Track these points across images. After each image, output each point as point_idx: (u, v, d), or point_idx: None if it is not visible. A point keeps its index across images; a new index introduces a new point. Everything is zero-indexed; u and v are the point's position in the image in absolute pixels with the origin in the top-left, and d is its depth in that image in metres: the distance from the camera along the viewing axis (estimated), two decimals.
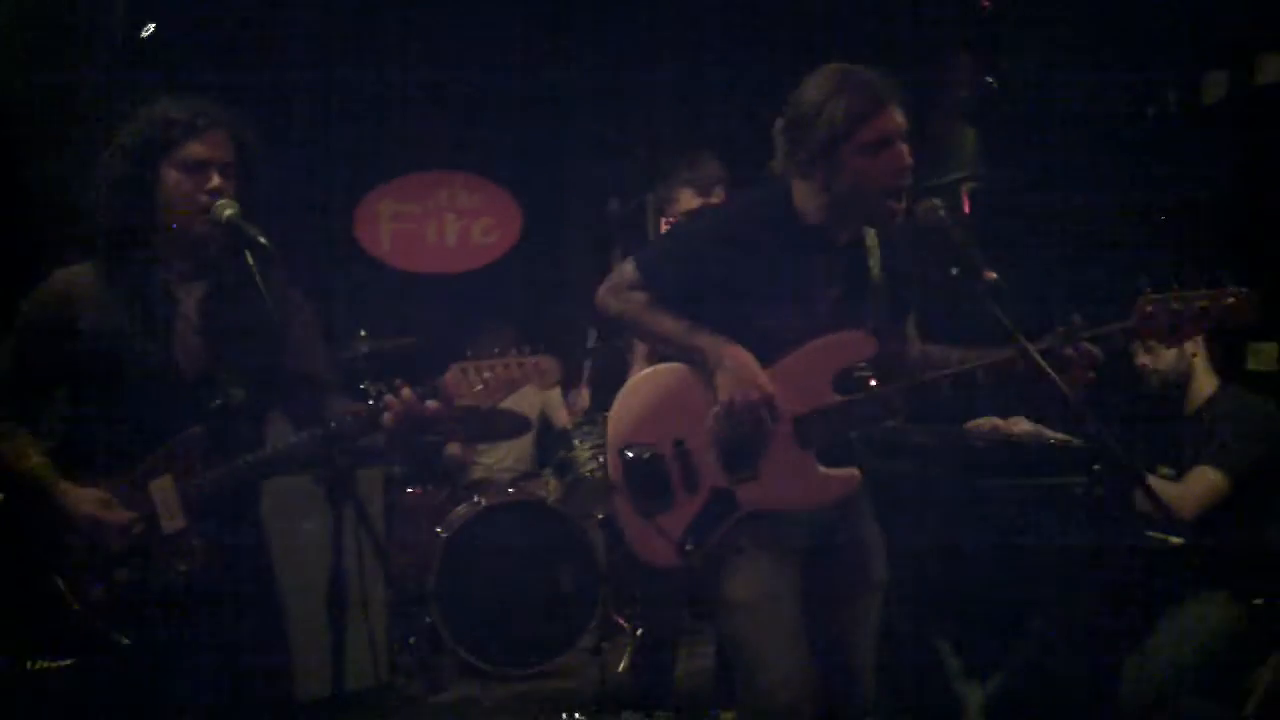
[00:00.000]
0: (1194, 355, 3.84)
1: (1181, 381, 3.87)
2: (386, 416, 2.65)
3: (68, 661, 2.70)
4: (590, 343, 5.90)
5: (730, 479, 2.99)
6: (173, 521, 2.70)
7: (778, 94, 3.02)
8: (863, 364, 2.97)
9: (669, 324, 3.02)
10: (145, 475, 2.71)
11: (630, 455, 3.08)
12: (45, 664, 3.15)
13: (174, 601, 2.70)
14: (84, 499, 2.69)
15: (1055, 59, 5.45)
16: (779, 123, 2.96)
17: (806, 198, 2.95)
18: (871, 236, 3.04)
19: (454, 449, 6.58)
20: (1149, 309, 2.73)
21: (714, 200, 4.27)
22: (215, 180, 2.71)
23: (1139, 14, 4.99)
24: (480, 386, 2.63)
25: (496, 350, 2.65)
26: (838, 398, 2.93)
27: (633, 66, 7.51)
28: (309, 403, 2.80)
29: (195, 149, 2.71)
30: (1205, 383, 3.86)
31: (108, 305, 2.74)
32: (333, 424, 2.67)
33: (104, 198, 2.73)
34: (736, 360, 2.90)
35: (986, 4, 5.27)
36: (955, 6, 5.70)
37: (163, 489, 2.71)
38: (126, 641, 2.66)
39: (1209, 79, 4.96)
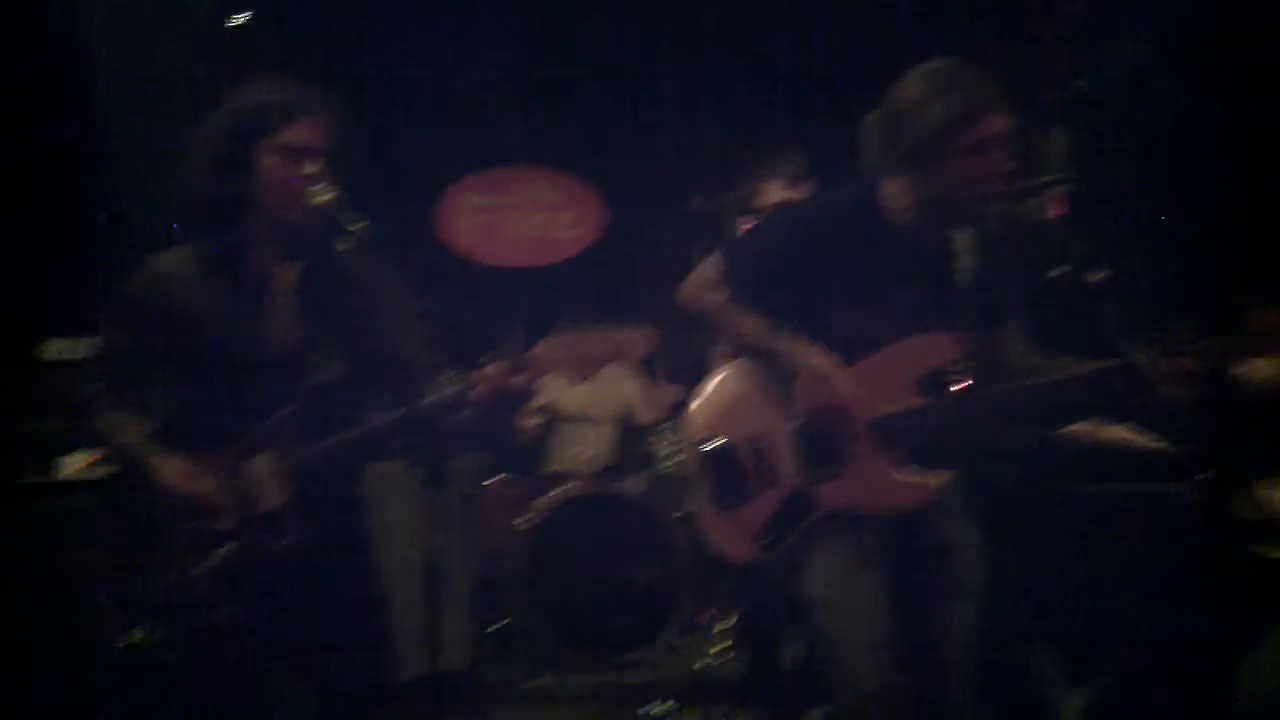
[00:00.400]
0: None
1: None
2: (477, 391, 2.66)
3: (166, 637, 2.75)
4: (677, 338, 5.89)
5: (809, 478, 2.98)
6: (272, 499, 2.74)
7: (862, 91, 2.99)
8: (957, 368, 2.95)
9: (749, 324, 3.02)
10: (243, 454, 2.76)
11: (710, 449, 3.08)
12: (146, 638, 3.22)
13: (273, 579, 2.74)
14: (170, 471, 2.74)
15: (1151, 59, 5.35)
16: (872, 117, 2.92)
17: (896, 196, 2.92)
18: (965, 239, 3.01)
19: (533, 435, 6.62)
20: (1259, 322, 2.65)
21: (799, 193, 4.25)
22: (311, 166, 2.73)
23: (1239, 11, 4.87)
24: (572, 359, 2.63)
25: (590, 323, 2.64)
26: (920, 400, 2.91)
27: (718, 63, 7.50)
28: (403, 383, 2.81)
29: (293, 134, 2.73)
30: None
31: (202, 287, 2.79)
32: (424, 401, 2.68)
33: (199, 179, 2.76)
34: (817, 363, 2.90)
35: (1080, 3, 5.20)
36: (1047, 5, 5.63)
37: (260, 467, 2.75)
38: (228, 617, 2.70)
39: None
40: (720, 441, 3.07)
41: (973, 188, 2.82)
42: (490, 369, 2.64)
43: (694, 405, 3.18)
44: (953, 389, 2.91)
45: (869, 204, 2.95)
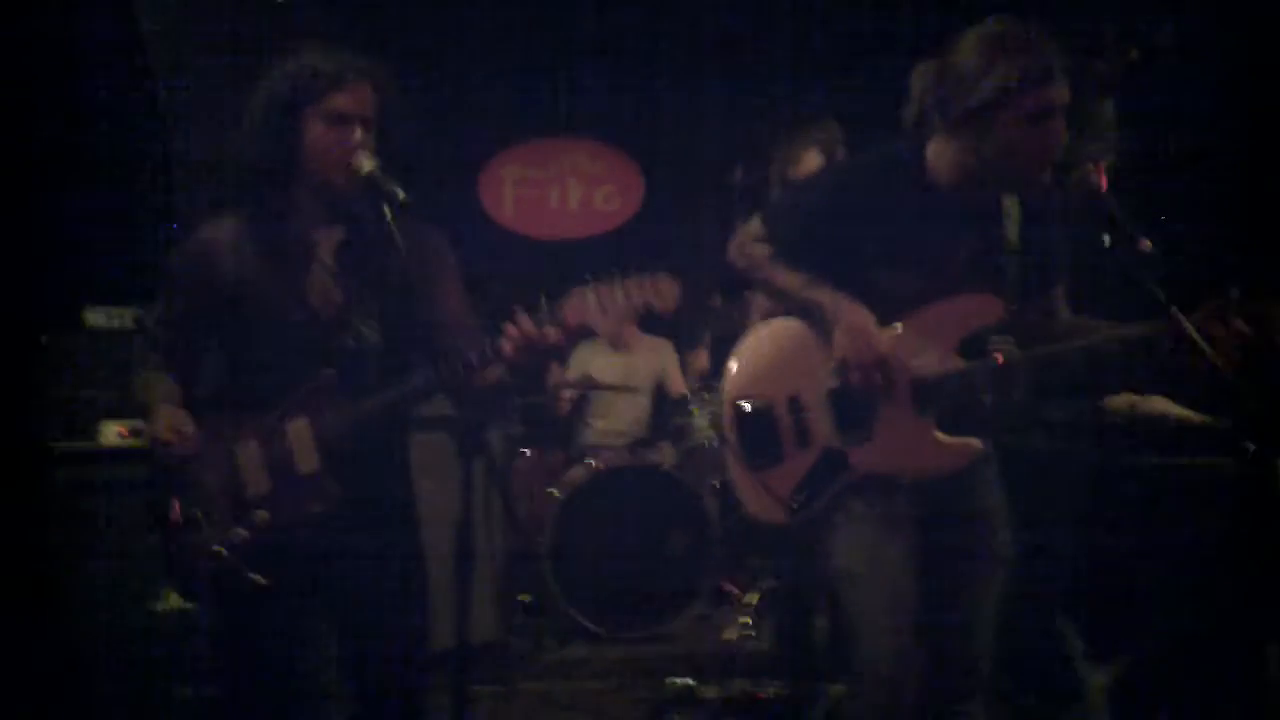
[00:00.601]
0: None
1: None
2: (505, 344, 2.62)
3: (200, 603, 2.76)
4: (712, 307, 5.87)
5: (844, 439, 2.94)
6: (307, 463, 2.73)
7: (905, 60, 2.93)
8: (1000, 332, 2.90)
9: (789, 278, 2.97)
10: (282, 417, 2.75)
11: (744, 408, 3.05)
12: (181, 605, 3.25)
13: (311, 543, 2.72)
14: (155, 419, 2.75)
15: (1204, 28, 5.26)
16: (924, 71, 2.85)
17: (942, 156, 2.85)
18: (1011, 203, 2.95)
19: (566, 406, 6.61)
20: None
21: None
22: (358, 134, 2.72)
23: None
24: (599, 310, 2.60)
25: (617, 273, 2.62)
26: (961, 363, 2.86)
27: (758, 34, 7.44)
28: (447, 348, 2.76)
29: (340, 101, 2.72)
30: None
31: (248, 253, 2.79)
32: (457, 359, 2.65)
33: (247, 144, 2.76)
34: (855, 318, 2.84)
35: None
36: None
37: (298, 431, 2.74)
38: (263, 582, 2.70)
39: None
40: (754, 401, 3.04)
41: (1025, 156, 2.75)
42: (520, 322, 2.61)
43: (730, 364, 3.14)
44: (995, 354, 2.86)
45: (913, 164, 2.89)
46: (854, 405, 2.91)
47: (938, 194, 2.87)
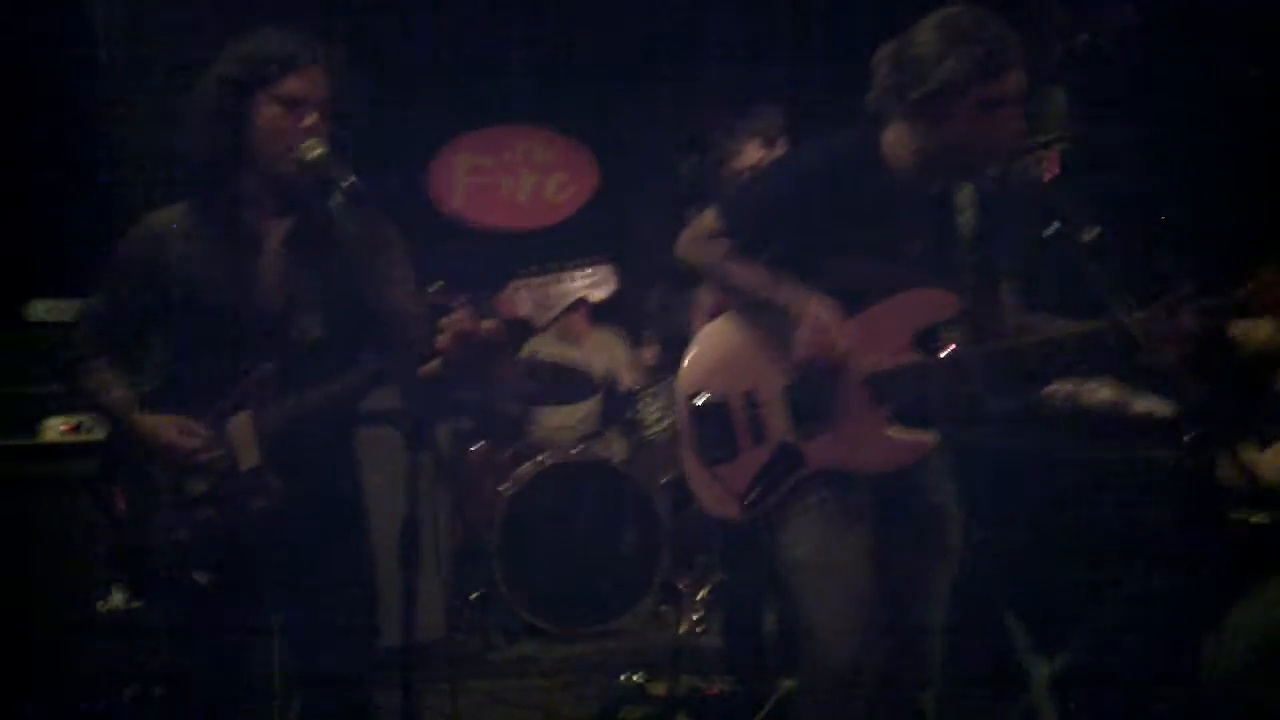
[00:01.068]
0: None
1: (1277, 355, 3.76)
2: (442, 338, 2.59)
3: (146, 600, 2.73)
4: (659, 301, 5.85)
5: (799, 434, 2.94)
6: (249, 458, 2.69)
7: (854, 44, 2.92)
8: (951, 326, 2.90)
9: (750, 274, 2.96)
10: (224, 411, 2.72)
11: (698, 402, 3.04)
12: (124, 605, 3.21)
13: (259, 541, 2.70)
14: (162, 424, 2.71)
15: (1157, 16, 5.29)
16: (884, 56, 2.85)
17: (900, 143, 2.85)
18: (965, 195, 2.95)
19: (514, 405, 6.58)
20: (1268, 279, 2.58)
21: (778, 151, 4.22)
22: (311, 118, 2.68)
23: None
24: (536, 301, 2.58)
25: (552, 264, 2.60)
26: (915, 357, 2.87)
27: (713, 23, 7.43)
28: (395, 340, 2.76)
29: (293, 85, 2.68)
30: None
31: (195, 242, 2.75)
32: (398, 353, 2.65)
33: (197, 128, 2.72)
34: (821, 314, 2.83)
35: None
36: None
37: (240, 425, 2.70)
38: (206, 580, 2.66)
39: None
40: (709, 396, 3.03)
41: (981, 143, 2.76)
42: (458, 313, 2.58)
43: (685, 358, 3.14)
44: (946, 348, 2.86)
45: (869, 153, 2.89)
46: (809, 400, 2.91)
47: (893, 182, 2.86)
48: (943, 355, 2.86)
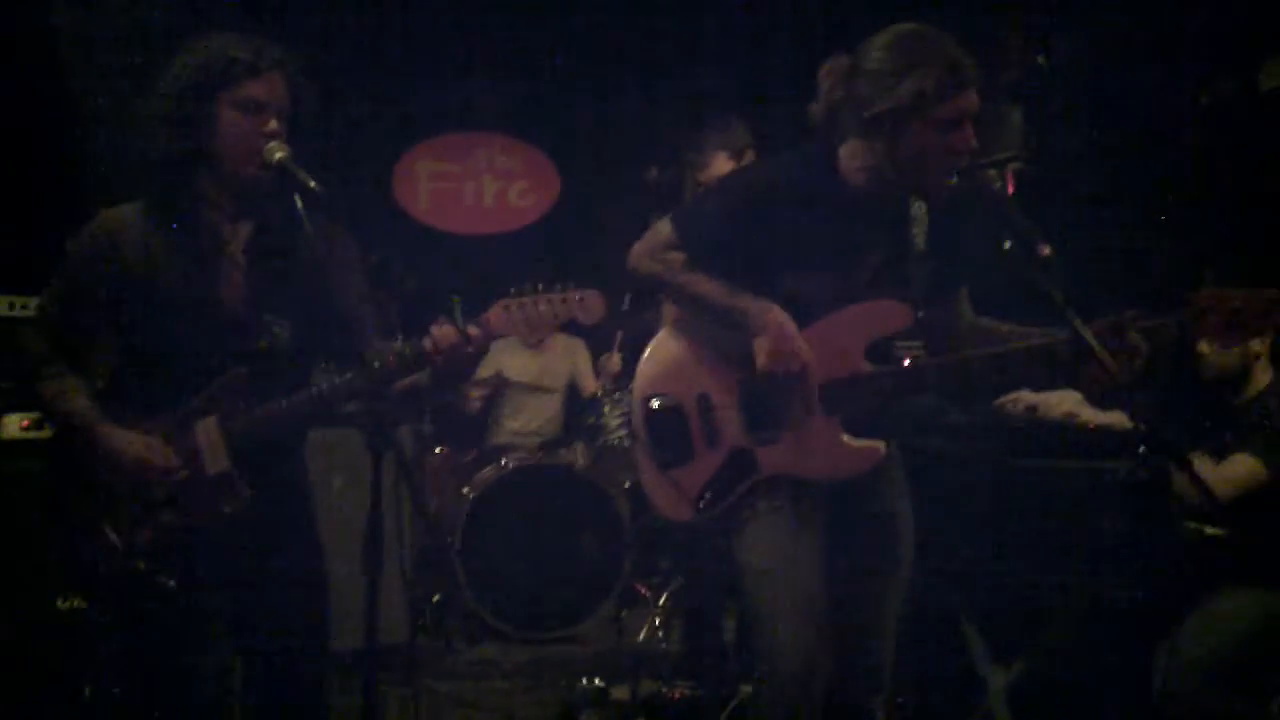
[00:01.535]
0: (1258, 353, 3.81)
1: (1239, 375, 3.84)
2: (427, 355, 2.60)
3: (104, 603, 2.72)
4: (623, 308, 5.88)
5: (752, 439, 2.96)
6: (217, 463, 2.69)
7: (814, 62, 2.95)
8: (907, 336, 2.94)
9: (707, 285, 2.96)
10: (190, 416, 2.71)
11: (653, 406, 3.06)
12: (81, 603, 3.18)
13: (219, 544, 2.70)
14: (128, 440, 2.69)
15: (1108, 40, 5.37)
16: (834, 69, 2.87)
17: (853, 159, 2.88)
18: (918, 207, 2.98)
19: (476, 407, 6.59)
20: (1204, 304, 2.63)
21: (745, 163, 4.26)
22: (273, 123, 2.68)
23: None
24: (524, 322, 2.61)
25: (541, 287, 2.62)
26: (869, 367, 2.89)
27: (671, 31, 7.46)
28: (353, 346, 2.77)
29: (255, 89, 2.67)
30: (1262, 376, 3.82)
31: (153, 243, 2.73)
32: (375, 363, 2.63)
33: (157, 130, 2.70)
34: (778, 326, 2.84)
35: None
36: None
37: (207, 430, 2.69)
38: (171, 584, 2.66)
39: (1266, 67, 4.88)
40: (664, 399, 3.06)
41: (937, 159, 2.78)
42: (441, 332, 2.60)
43: (641, 362, 3.15)
44: (902, 360, 2.90)
45: (825, 168, 2.91)
46: (763, 406, 2.94)
47: (849, 197, 2.89)
48: (897, 366, 2.89)
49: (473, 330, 2.60)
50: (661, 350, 3.16)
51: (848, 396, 2.89)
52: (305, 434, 2.94)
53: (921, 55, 2.73)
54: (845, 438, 2.91)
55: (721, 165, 4.29)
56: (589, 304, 2.62)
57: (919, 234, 2.96)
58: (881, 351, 2.91)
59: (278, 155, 2.65)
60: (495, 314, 2.60)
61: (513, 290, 2.61)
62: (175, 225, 2.74)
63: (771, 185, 2.97)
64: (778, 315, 2.86)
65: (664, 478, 3.04)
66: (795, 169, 2.98)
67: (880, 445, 2.93)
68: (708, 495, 2.99)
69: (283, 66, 2.73)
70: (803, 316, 2.88)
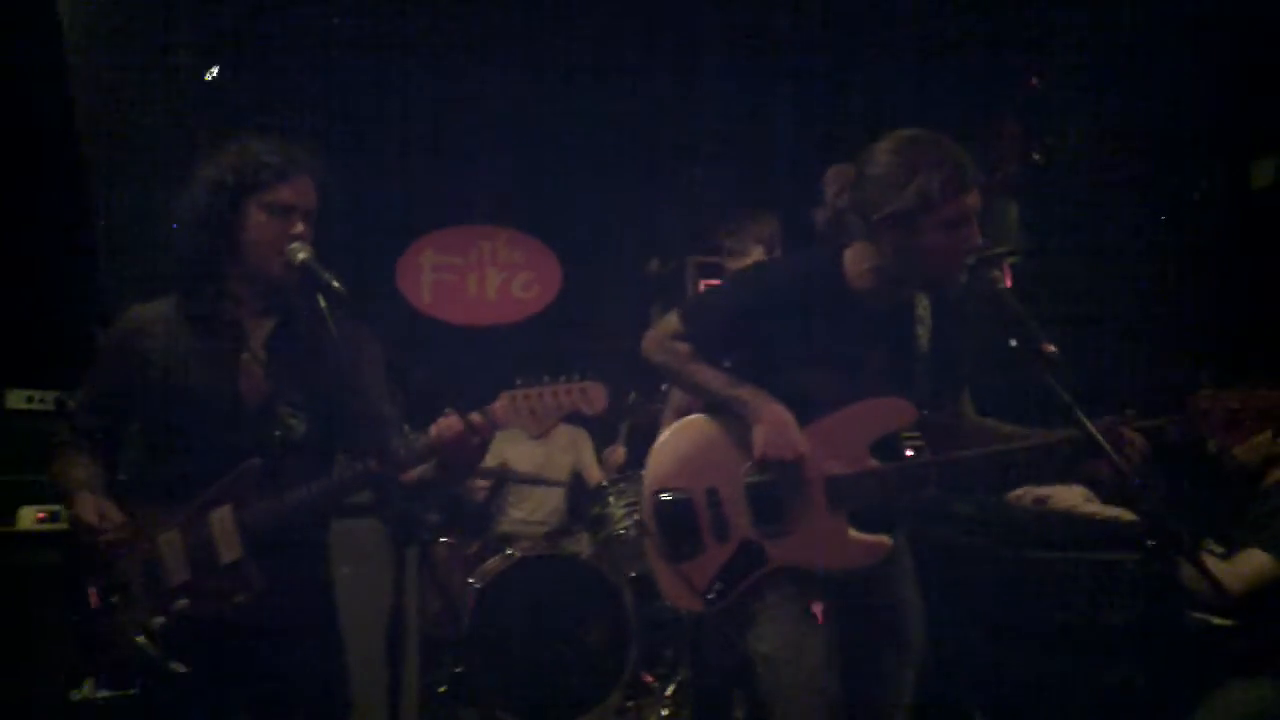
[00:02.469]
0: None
1: (1261, 470, 3.88)
2: (435, 444, 2.66)
3: (123, 691, 2.73)
4: (628, 401, 5.93)
5: (760, 533, 3.02)
6: (230, 552, 2.73)
7: (822, 163, 3.05)
8: (912, 433, 3.00)
9: (710, 376, 3.08)
10: (206, 505, 2.76)
11: (663, 499, 3.13)
12: (102, 694, 3.19)
13: (231, 633, 2.74)
14: (79, 501, 2.75)
15: (1102, 138, 5.50)
16: (838, 175, 2.99)
17: (859, 261, 2.99)
18: (923, 307, 3.07)
19: (482, 495, 6.61)
20: (1204, 406, 2.71)
21: (773, 255, 4.38)
22: (299, 226, 2.78)
23: (1188, 97, 5.04)
24: (529, 413, 2.66)
25: (546, 378, 2.68)
26: (873, 463, 2.96)
27: (675, 128, 7.59)
28: (371, 441, 2.81)
29: (284, 193, 2.78)
30: (1278, 470, 3.88)
31: (179, 337, 2.82)
32: (383, 456, 2.69)
33: (186, 230, 2.81)
34: (775, 416, 2.94)
35: (1035, 81, 5.34)
36: (1004, 82, 5.76)
37: (221, 519, 2.74)
38: (183, 670, 2.69)
39: (1257, 164, 5.00)
40: (674, 493, 3.11)
41: (943, 259, 2.88)
42: (446, 423, 2.67)
43: (650, 456, 3.22)
44: (908, 454, 2.96)
45: (831, 270, 3.02)
46: (771, 499, 3.00)
47: (853, 298, 2.99)
48: (898, 462, 2.95)
49: (477, 419, 2.65)
50: (670, 445, 3.22)
51: (853, 492, 2.96)
52: (327, 526, 2.99)
53: (925, 158, 2.84)
54: (852, 532, 2.97)
55: (757, 255, 4.40)
56: (591, 395, 2.68)
57: (923, 334, 3.05)
58: (887, 448, 2.98)
59: (300, 256, 2.75)
60: (500, 405, 2.66)
61: (518, 381, 2.67)
62: (200, 319, 2.82)
63: (777, 285, 3.09)
64: (775, 407, 2.95)
65: (674, 570, 3.10)
66: (801, 270, 3.10)
67: (886, 539, 2.99)
68: (718, 587, 3.04)
69: (311, 170, 2.84)
70: (807, 413, 2.97)
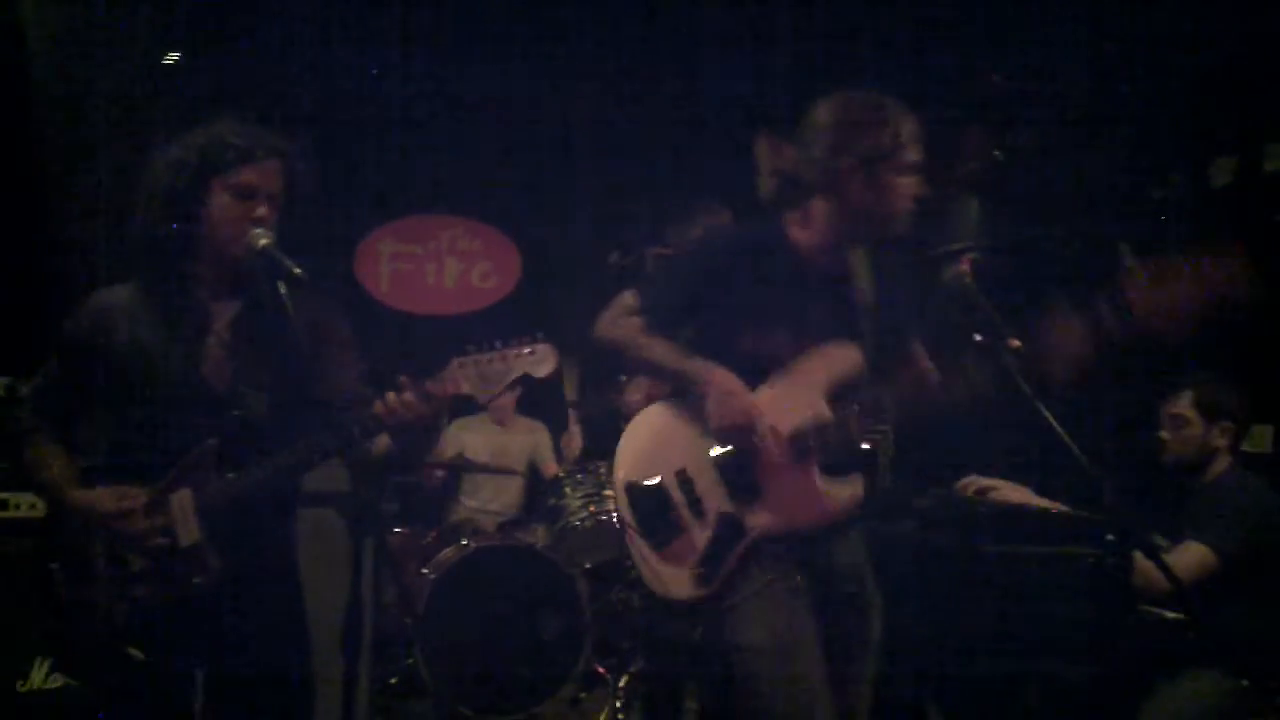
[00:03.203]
0: (1217, 446, 3.92)
1: (1197, 464, 3.94)
2: (384, 412, 2.64)
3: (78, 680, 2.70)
4: (581, 392, 5.94)
5: (736, 504, 3.01)
6: (189, 535, 2.70)
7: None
8: (866, 385, 3.01)
9: (660, 349, 3.07)
10: (166, 488, 2.73)
11: (635, 490, 3.11)
12: (43, 684, 3.15)
13: (191, 617, 2.70)
14: (98, 497, 2.72)
15: (1064, 136, 5.53)
16: (772, 142, 3.09)
17: (802, 222, 3.03)
18: (861, 264, 3.10)
19: (438, 483, 6.57)
20: (1140, 277, 2.68)
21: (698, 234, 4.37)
22: (262, 209, 2.74)
23: (1150, 98, 5.08)
24: (479, 377, 2.64)
25: (497, 344, 2.67)
26: (829, 412, 2.95)
27: (638, 118, 7.58)
28: (325, 419, 2.77)
29: (249, 175, 2.74)
30: (1220, 463, 3.93)
31: (142, 320, 2.78)
32: (336, 427, 2.67)
33: (150, 209, 2.77)
34: (723, 383, 2.95)
35: (998, 78, 5.36)
36: (967, 80, 5.78)
37: (180, 502, 2.71)
38: (143, 657, 2.66)
39: (1218, 164, 5.04)
40: (646, 482, 3.10)
41: (883, 213, 2.94)
42: (402, 391, 2.64)
43: (618, 452, 3.20)
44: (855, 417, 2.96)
45: (773, 233, 3.06)
46: (740, 469, 3.00)
47: (797, 259, 3.03)
48: (855, 405, 2.95)
49: (431, 386, 2.64)
50: (634, 436, 3.21)
51: (815, 441, 2.96)
52: (292, 507, 2.94)
53: (864, 114, 2.92)
54: (822, 483, 2.97)
55: None
56: (541, 356, 2.67)
57: (866, 289, 3.08)
58: (842, 393, 2.99)
59: (261, 242, 2.71)
60: (451, 370, 2.64)
61: (467, 348, 2.66)
62: (163, 300, 2.79)
63: (722, 251, 3.12)
64: (720, 376, 2.96)
65: (660, 558, 3.07)
66: (746, 233, 3.16)
67: (857, 485, 3.01)
68: (704, 568, 3.02)
69: (279, 154, 2.79)
70: (761, 372, 2.99)
